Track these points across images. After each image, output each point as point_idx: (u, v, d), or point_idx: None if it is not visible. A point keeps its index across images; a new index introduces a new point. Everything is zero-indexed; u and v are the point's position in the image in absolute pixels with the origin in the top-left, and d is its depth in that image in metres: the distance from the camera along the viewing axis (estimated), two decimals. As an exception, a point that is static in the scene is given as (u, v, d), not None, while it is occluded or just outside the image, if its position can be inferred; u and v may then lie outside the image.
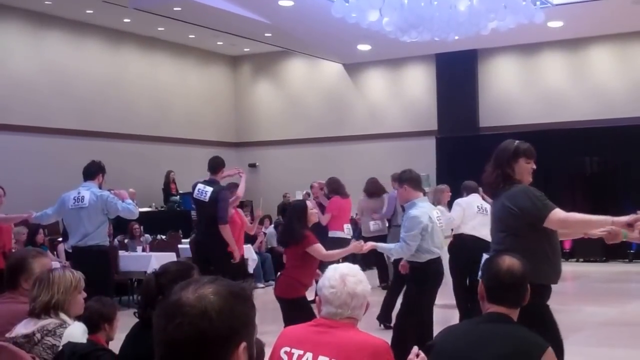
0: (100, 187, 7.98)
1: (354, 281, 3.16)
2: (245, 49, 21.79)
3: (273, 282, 13.65)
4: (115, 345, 3.66)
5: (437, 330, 5.66)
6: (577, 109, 17.94)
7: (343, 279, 3.16)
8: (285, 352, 3.05)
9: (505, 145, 4.63)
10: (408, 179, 6.79)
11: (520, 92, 18.87)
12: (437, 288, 6.83)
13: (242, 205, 19.05)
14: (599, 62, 18.13)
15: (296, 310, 5.90)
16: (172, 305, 1.66)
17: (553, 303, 9.41)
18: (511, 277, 3.13)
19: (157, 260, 10.40)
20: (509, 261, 3.18)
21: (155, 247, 12.87)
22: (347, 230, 11.01)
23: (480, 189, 8.51)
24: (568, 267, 16.39)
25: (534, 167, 4.70)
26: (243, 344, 1.66)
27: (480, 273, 3.42)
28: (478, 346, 2.94)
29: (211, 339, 1.62)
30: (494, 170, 4.56)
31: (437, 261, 6.64)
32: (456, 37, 14.06)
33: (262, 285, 13.36)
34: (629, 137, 16.60)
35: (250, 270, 13.17)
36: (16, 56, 16.54)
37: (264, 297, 12.25)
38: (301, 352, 3.01)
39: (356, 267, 3.30)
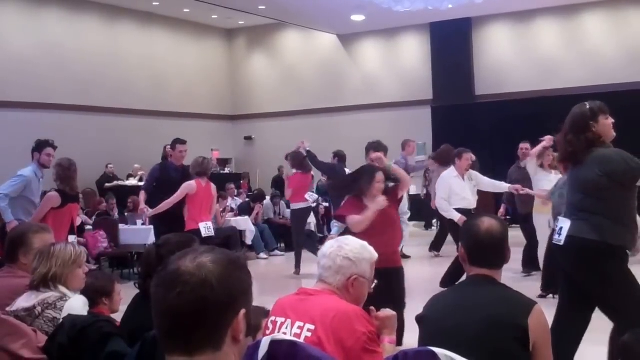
0: (41, 164, 8.09)
1: (331, 244, 3.27)
2: (240, 22, 21.69)
3: (277, 252, 13.82)
4: (118, 317, 3.70)
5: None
6: (571, 75, 17.90)
7: (330, 248, 3.26)
8: (272, 322, 3.10)
9: (578, 110, 4.64)
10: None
11: (515, 60, 18.82)
12: None
13: (239, 177, 19.16)
14: (593, 28, 18.08)
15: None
16: (172, 274, 1.65)
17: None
18: (491, 238, 3.06)
19: (157, 233, 10.47)
20: (487, 222, 3.10)
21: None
22: (309, 199, 12.00)
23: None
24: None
25: (613, 120, 4.75)
26: (243, 311, 1.68)
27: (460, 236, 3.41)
28: (466, 311, 2.92)
29: (212, 306, 1.63)
30: (576, 137, 4.54)
31: None
32: (450, 6, 14.06)
33: (265, 256, 13.45)
34: (624, 103, 16.55)
35: (249, 241, 13.27)
36: (13, 33, 16.46)
37: (267, 268, 12.38)
38: (282, 319, 3.07)
39: (353, 239, 3.33)
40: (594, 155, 4.52)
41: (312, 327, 2.98)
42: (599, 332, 7.33)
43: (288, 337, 2.73)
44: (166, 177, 9.44)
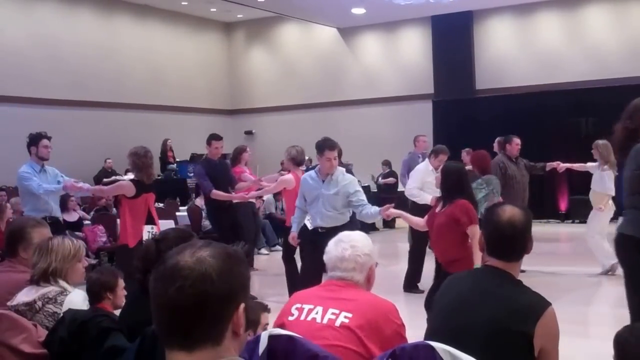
0: (39, 157, 8.00)
1: (343, 246, 3.32)
2: (239, 15, 21.67)
3: (278, 247, 13.83)
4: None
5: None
6: (573, 69, 17.89)
7: (336, 244, 3.37)
8: (296, 308, 3.17)
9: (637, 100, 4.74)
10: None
11: (516, 54, 18.79)
12: None
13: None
14: (595, 21, 18.04)
15: None
16: (171, 268, 1.65)
17: (548, 264, 9.52)
18: (512, 228, 2.95)
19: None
20: (510, 211, 2.98)
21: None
22: None
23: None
24: (563, 228, 16.55)
25: None
26: (242, 305, 1.68)
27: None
28: (472, 305, 2.87)
29: (213, 300, 1.63)
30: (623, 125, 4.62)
31: None
32: (451, -1, 14.02)
33: (266, 252, 13.46)
34: (625, 98, 16.39)
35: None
36: (8, 26, 16.45)
37: (268, 263, 12.39)
38: (311, 306, 3.15)
39: (355, 234, 3.45)
40: (631, 151, 4.57)
41: (349, 314, 3.06)
42: (592, 325, 7.40)
43: (286, 332, 2.75)
44: (212, 174, 9.34)
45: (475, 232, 5.56)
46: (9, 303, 3.63)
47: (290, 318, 3.14)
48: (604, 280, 9.53)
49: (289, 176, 8.66)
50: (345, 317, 3.05)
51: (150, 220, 7.48)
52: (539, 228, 13.89)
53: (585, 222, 16.33)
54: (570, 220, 16.86)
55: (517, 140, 10.38)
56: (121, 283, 3.99)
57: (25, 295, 3.63)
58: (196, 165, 10.09)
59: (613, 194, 9.65)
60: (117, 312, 3.64)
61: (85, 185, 8.20)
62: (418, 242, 9.22)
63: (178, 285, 1.62)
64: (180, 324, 1.63)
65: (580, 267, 10.38)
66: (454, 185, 5.96)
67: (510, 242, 2.97)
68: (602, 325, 7.25)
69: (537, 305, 2.82)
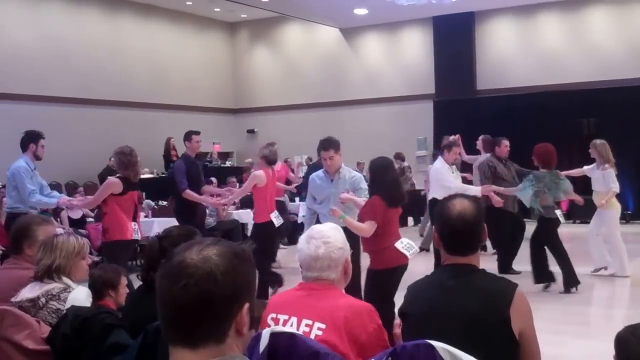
0: (36, 155, 8.00)
1: (316, 244, 3.16)
2: (243, 15, 21.69)
3: (281, 245, 13.79)
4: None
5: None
6: (574, 70, 17.90)
7: (307, 241, 3.20)
8: (272, 319, 3.04)
9: None
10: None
11: (517, 54, 18.80)
12: None
13: (241, 170, 19.19)
14: (596, 23, 18.04)
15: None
16: (177, 266, 1.65)
17: (549, 264, 9.48)
18: (463, 223, 2.85)
19: (159, 225, 10.49)
20: (459, 205, 2.87)
21: (157, 213, 12.95)
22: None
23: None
24: (565, 229, 16.47)
25: None
26: (247, 305, 1.68)
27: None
28: (446, 314, 2.79)
29: (217, 299, 1.63)
30: None
31: None
32: (453, 0, 14.02)
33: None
34: (627, 99, 16.56)
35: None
36: (14, 25, 16.48)
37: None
38: (286, 316, 3.03)
39: (326, 228, 3.29)
40: None
41: (322, 325, 2.95)
42: (592, 325, 7.42)
43: (287, 329, 2.74)
44: (190, 171, 9.27)
45: (369, 228, 5.86)
46: (13, 299, 3.64)
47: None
48: (604, 281, 9.53)
49: (259, 172, 8.69)
50: (319, 328, 2.94)
51: (134, 217, 7.60)
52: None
53: (586, 222, 16.42)
54: (572, 221, 16.86)
55: (506, 143, 10.49)
56: (124, 281, 4.00)
57: (29, 292, 3.65)
58: (176, 161, 9.84)
59: (618, 190, 9.67)
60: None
61: (76, 201, 8.33)
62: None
63: (183, 283, 1.62)
64: (185, 322, 1.64)
65: (580, 267, 10.39)
66: (370, 181, 6.30)
67: (464, 237, 2.88)
68: (603, 326, 7.26)
69: (506, 290, 2.78)
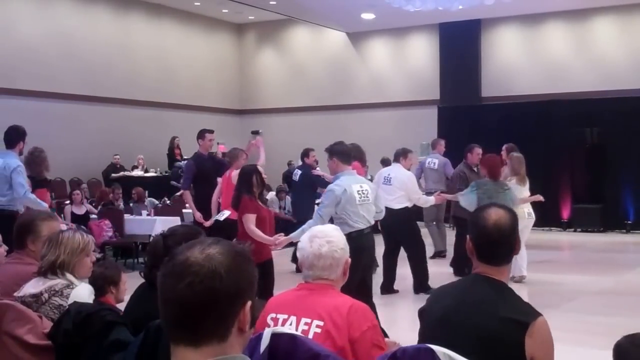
0: (21, 152, 8.04)
1: (319, 242, 3.22)
2: (250, 17, 21.73)
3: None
4: (121, 306, 3.75)
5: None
6: (579, 80, 17.90)
7: (310, 240, 3.26)
8: (272, 318, 3.10)
9: None
10: (338, 152, 6.72)
11: (522, 63, 18.81)
12: (362, 263, 6.30)
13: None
14: (602, 33, 18.05)
15: None
16: (181, 264, 1.66)
17: (549, 272, 9.52)
18: (499, 232, 2.82)
19: (162, 224, 10.49)
20: (495, 215, 2.85)
21: (160, 211, 12.97)
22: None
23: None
24: (565, 237, 16.55)
25: None
26: (249, 303, 1.70)
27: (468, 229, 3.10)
28: (461, 316, 2.79)
29: (221, 297, 1.65)
30: None
31: (355, 235, 6.33)
32: (460, 7, 14.06)
33: None
34: (631, 109, 16.56)
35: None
36: (24, 21, 16.54)
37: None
38: (285, 316, 3.08)
39: (329, 228, 3.37)
40: None
41: (320, 323, 3.01)
42: (592, 334, 7.42)
43: (287, 330, 2.76)
44: (202, 169, 9.28)
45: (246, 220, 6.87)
46: (15, 294, 3.65)
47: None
48: (605, 289, 9.53)
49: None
50: (317, 325, 3.00)
51: None
52: (540, 236, 13.90)
53: (588, 231, 16.49)
54: (572, 229, 16.87)
55: (478, 150, 10.49)
56: (124, 278, 4.03)
57: (32, 287, 3.66)
58: (189, 159, 10.03)
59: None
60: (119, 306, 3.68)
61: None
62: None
63: (188, 281, 1.63)
64: (188, 320, 1.65)
65: (581, 275, 10.40)
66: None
67: (499, 247, 2.86)
68: (602, 334, 7.25)
69: (527, 316, 2.73)
